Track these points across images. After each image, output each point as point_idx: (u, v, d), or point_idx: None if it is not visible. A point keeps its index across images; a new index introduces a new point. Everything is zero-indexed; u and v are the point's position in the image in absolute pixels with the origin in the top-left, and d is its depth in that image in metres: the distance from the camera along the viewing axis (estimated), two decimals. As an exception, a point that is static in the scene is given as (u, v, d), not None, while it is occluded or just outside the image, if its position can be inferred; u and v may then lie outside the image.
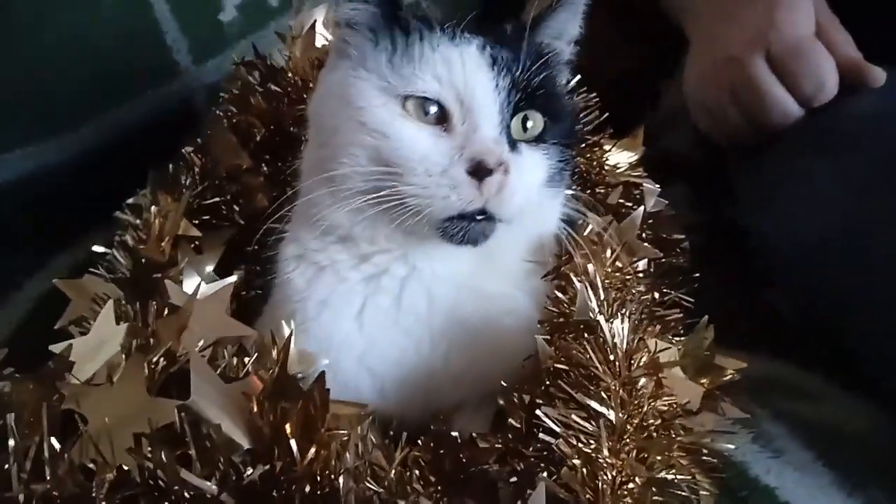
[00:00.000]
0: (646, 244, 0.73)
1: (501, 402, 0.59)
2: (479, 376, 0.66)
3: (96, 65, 1.13)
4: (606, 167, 0.83)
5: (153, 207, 0.80)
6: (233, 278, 0.64)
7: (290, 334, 0.56)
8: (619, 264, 0.68)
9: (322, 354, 0.63)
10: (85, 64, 1.12)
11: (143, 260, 0.75)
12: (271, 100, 0.87)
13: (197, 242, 0.81)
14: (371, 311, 0.67)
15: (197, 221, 0.83)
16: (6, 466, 0.46)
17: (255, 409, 0.47)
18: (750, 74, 0.94)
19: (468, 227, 0.62)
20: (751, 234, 1.01)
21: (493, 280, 0.69)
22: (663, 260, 0.78)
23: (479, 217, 0.61)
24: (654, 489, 0.52)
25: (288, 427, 0.46)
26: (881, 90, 0.92)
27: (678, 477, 0.53)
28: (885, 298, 0.77)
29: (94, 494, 0.44)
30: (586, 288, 0.61)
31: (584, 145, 0.83)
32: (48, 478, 0.44)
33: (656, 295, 0.72)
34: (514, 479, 0.52)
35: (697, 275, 0.79)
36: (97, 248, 0.79)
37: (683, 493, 0.54)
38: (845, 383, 0.82)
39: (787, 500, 0.65)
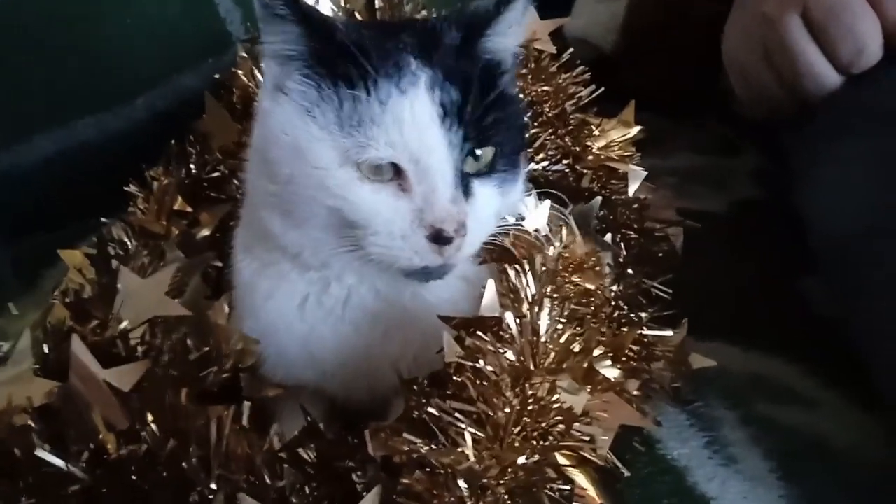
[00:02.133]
0: (607, 237, 0.69)
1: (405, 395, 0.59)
2: (414, 362, 0.67)
3: (157, 39, 1.21)
4: (595, 149, 0.79)
5: (155, 183, 0.85)
6: (171, 267, 0.68)
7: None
8: (566, 255, 0.65)
9: (269, 339, 0.68)
10: (147, 38, 1.20)
11: (138, 232, 0.81)
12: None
13: (192, 217, 0.85)
14: (313, 306, 0.68)
15: (201, 196, 0.87)
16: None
17: (124, 397, 0.50)
18: (782, 35, 0.85)
19: (430, 272, 0.63)
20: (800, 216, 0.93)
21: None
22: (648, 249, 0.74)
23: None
24: (518, 499, 0.51)
25: (150, 415, 0.50)
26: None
27: (553, 487, 0.51)
28: None
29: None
30: (507, 279, 0.60)
31: (569, 126, 0.79)
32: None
33: (619, 287, 0.68)
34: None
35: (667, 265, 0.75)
36: (103, 220, 0.85)
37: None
38: (849, 392, 0.75)
39: (723, 514, 0.61)
